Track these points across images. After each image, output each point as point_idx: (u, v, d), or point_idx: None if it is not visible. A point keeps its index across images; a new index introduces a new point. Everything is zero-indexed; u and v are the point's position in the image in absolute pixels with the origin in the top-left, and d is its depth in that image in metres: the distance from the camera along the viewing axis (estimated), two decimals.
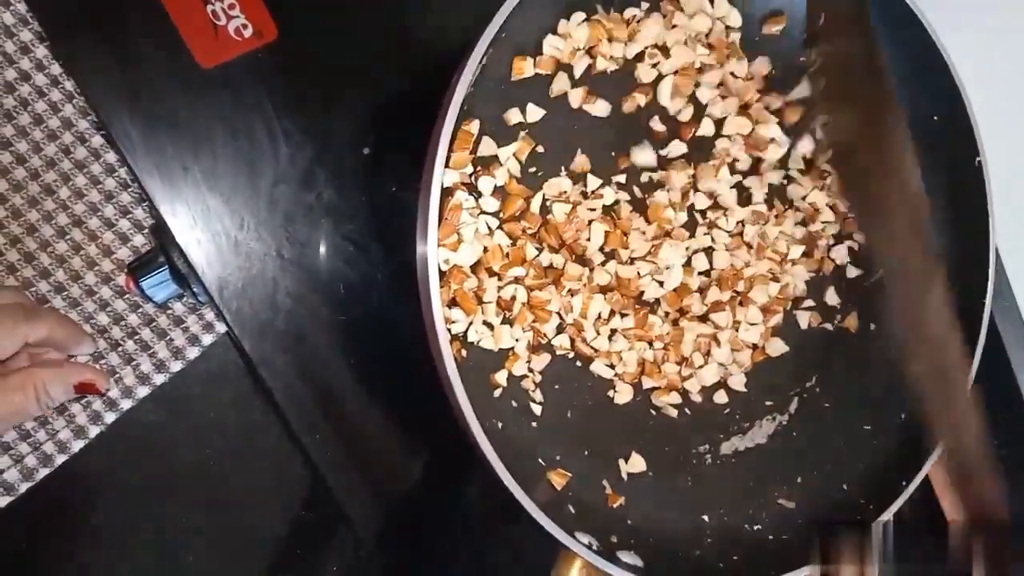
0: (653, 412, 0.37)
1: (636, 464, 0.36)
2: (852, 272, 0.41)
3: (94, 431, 0.43)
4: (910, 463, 0.36)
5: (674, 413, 0.37)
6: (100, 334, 0.43)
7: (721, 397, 0.38)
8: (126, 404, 0.43)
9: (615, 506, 0.35)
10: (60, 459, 0.42)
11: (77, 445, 0.42)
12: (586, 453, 0.35)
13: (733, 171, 0.38)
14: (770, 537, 0.36)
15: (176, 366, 0.44)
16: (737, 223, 0.38)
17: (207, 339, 0.44)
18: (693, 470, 0.37)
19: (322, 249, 0.38)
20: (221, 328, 0.44)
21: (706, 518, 0.36)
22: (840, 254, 0.40)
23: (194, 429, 0.45)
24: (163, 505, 0.44)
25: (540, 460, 0.34)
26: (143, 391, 0.43)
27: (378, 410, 0.39)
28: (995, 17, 0.44)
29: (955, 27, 0.39)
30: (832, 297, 0.40)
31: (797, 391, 0.39)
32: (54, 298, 0.42)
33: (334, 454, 0.39)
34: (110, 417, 0.43)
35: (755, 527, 0.36)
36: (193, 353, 0.44)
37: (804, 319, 0.40)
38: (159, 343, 0.44)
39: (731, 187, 0.38)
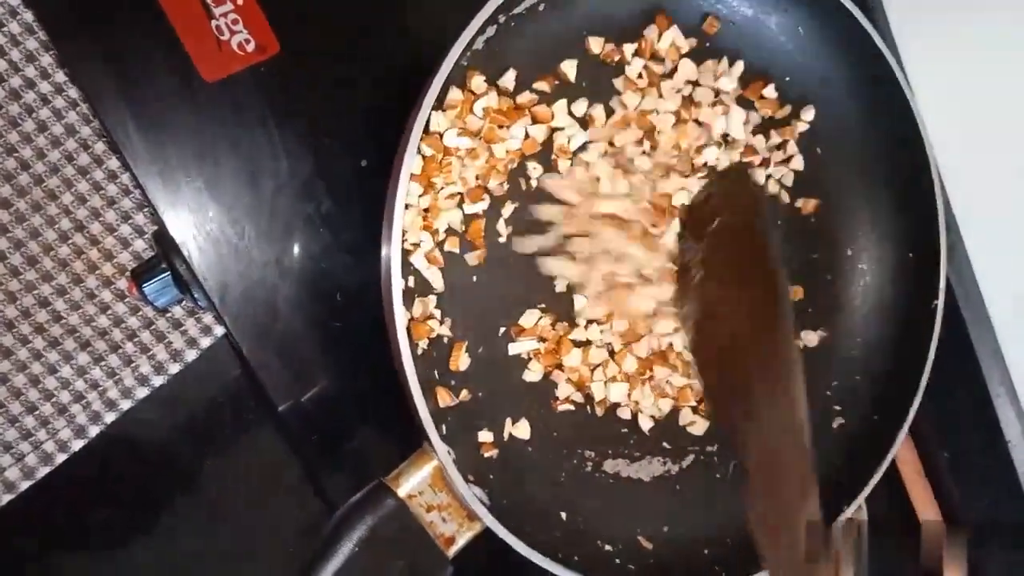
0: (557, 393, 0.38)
1: (521, 430, 0.36)
2: None
3: (94, 431, 0.44)
4: None
5: (572, 407, 0.38)
6: (100, 336, 0.44)
7: (624, 413, 0.39)
8: (125, 404, 0.44)
9: (485, 455, 0.35)
10: (60, 458, 0.43)
11: (77, 444, 0.44)
12: (480, 394, 0.35)
13: None
14: (617, 560, 0.36)
15: (174, 368, 0.45)
16: None
17: (205, 342, 0.45)
18: (572, 469, 0.37)
19: (320, 258, 0.39)
20: (219, 332, 0.45)
21: (563, 515, 0.36)
22: None
23: (191, 429, 0.46)
24: (160, 503, 0.45)
25: (436, 372, 0.34)
26: (142, 392, 0.44)
27: (373, 414, 0.40)
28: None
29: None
30: None
31: (696, 450, 0.39)
32: (56, 300, 0.43)
33: (329, 456, 0.41)
34: (110, 417, 0.44)
35: (606, 546, 0.36)
36: (191, 356, 0.45)
37: None
38: (158, 345, 0.45)
39: None
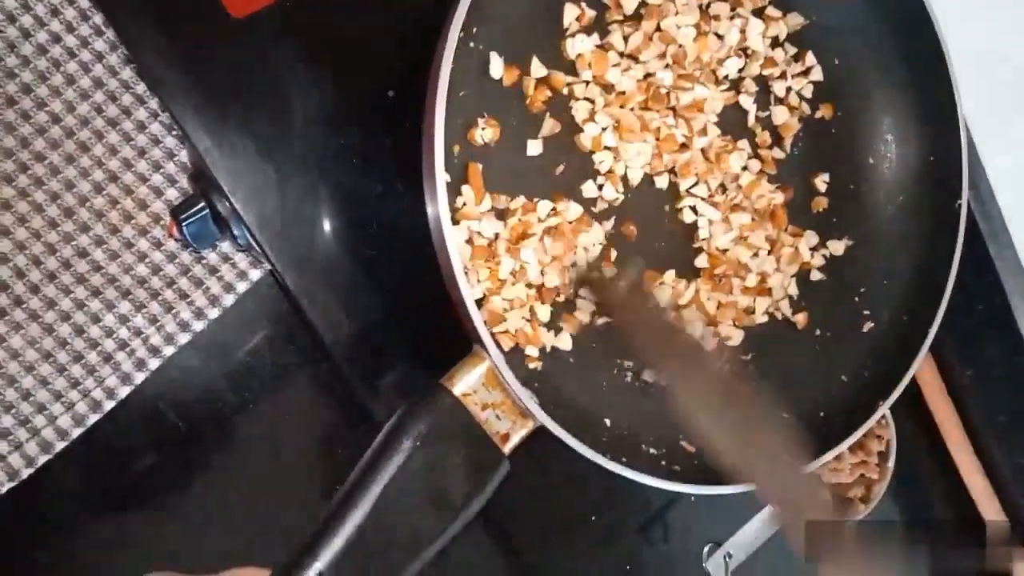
0: None
1: (563, 342, 0.37)
2: (816, 276, 0.42)
3: (139, 377, 0.45)
4: (814, 452, 0.38)
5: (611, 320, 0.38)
6: (140, 284, 0.45)
7: None
8: (168, 350, 0.45)
9: (530, 366, 0.36)
10: (109, 405, 0.44)
11: (124, 391, 0.44)
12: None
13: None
14: (662, 462, 0.37)
15: (213, 313, 0.46)
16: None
17: (241, 287, 0.46)
18: (612, 379, 0.38)
19: (354, 188, 0.40)
20: (254, 276, 0.46)
21: (608, 422, 0.37)
22: (812, 254, 0.42)
23: (232, 373, 0.47)
24: (204, 449, 0.46)
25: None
26: (184, 338, 0.45)
27: (415, 336, 0.41)
28: None
29: None
30: (793, 288, 0.42)
31: (731, 359, 0.41)
32: (95, 251, 0.44)
33: (374, 383, 0.42)
34: (154, 363, 0.45)
35: (651, 450, 0.37)
36: (229, 300, 0.46)
37: (763, 303, 0.41)
38: (196, 291, 0.46)
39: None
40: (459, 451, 0.30)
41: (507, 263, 0.35)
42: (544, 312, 0.36)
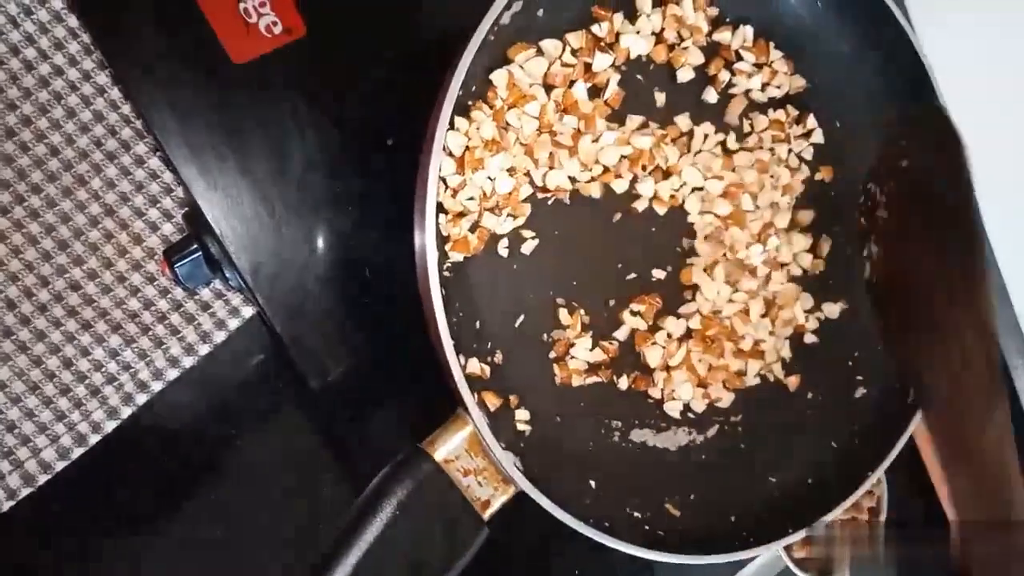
0: None
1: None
2: (810, 339, 0.42)
3: (126, 412, 0.44)
4: (802, 519, 0.38)
5: (599, 379, 0.38)
6: (131, 319, 0.45)
7: (655, 393, 0.40)
8: (157, 386, 0.45)
9: (518, 428, 0.36)
10: (94, 439, 0.44)
11: (110, 425, 0.44)
12: (510, 365, 0.36)
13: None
14: (646, 527, 0.37)
15: (204, 349, 0.45)
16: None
17: (233, 323, 0.46)
18: (600, 439, 0.38)
19: (349, 235, 0.40)
20: (246, 313, 0.46)
21: (593, 483, 0.37)
22: (807, 317, 0.42)
23: (221, 412, 0.47)
24: (190, 485, 0.46)
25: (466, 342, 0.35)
26: (173, 373, 0.45)
27: (402, 388, 0.41)
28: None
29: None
30: (786, 351, 0.41)
31: (721, 420, 0.40)
32: (87, 284, 0.44)
33: (360, 431, 0.41)
34: (142, 398, 0.45)
35: (635, 513, 0.37)
36: (220, 337, 0.46)
37: (755, 366, 0.41)
38: (187, 327, 0.45)
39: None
40: (439, 518, 0.30)
41: None
42: None
